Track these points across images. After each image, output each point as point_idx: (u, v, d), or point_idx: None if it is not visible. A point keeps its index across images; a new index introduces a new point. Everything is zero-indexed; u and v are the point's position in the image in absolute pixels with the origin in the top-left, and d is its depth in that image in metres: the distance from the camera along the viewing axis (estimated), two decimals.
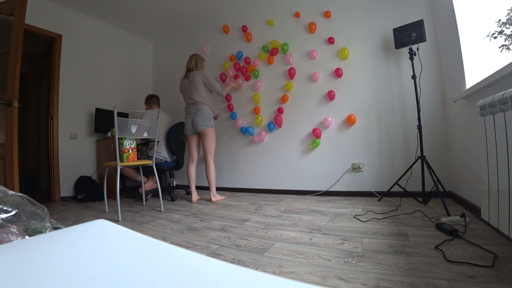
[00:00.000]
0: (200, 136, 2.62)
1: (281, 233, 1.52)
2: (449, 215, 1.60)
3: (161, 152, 2.87)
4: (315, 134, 2.73)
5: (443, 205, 1.69)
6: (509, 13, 1.47)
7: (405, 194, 2.18)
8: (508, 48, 1.48)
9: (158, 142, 2.59)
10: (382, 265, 1.03)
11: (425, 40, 2.12)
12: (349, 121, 2.57)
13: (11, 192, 0.71)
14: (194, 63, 2.63)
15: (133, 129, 2.17)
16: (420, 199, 2.06)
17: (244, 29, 3.24)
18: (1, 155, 1.92)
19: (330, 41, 2.70)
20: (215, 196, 2.63)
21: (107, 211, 2.31)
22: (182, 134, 3.04)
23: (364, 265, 1.04)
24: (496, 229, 1.07)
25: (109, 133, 3.20)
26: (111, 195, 2.75)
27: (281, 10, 3.03)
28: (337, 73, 2.65)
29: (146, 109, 3.02)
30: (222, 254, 1.26)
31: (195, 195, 2.67)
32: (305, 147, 2.84)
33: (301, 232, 1.51)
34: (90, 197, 2.92)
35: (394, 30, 2.25)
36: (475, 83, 1.44)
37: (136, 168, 2.89)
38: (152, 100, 3.03)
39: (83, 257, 0.27)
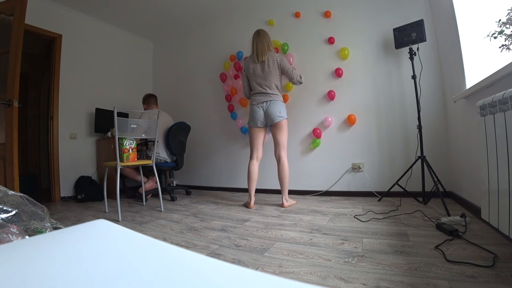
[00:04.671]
0: (274, 128, 2.26)
1: (281, 233, 1.52)
2: (449, 215, 1.60)
3: (160, 153, 2.86)
4: (315, 134, 2.73)
5: (443, 205, 1.69)
6: (509, 13, 1.47)
7: (405, 194, 2.18)
8: (508, 48, 1.48)
9: (157, 142, 2.58)
10: (382, 265, 1.03)
11: (425, 40, 2.12)
12: (349, 121, 2.57)
13: (11, 192, 0.71)
14: (267, 43, 2.23)
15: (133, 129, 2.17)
16: (420, 199, 2.06)
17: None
18: (1, 155, 1.92)
19: (330, 41, 2.70)
20: (288, 201, 2.24)
21: (107, 211, 2.31)
22: (182, 134, 3.03)
23: (364, 265, 1.04)
24: (496, 229, 1.07)
25: (109, 133, 3.20)
26: (111, 195, 2.75)
27: (281, 10, 3.02)
28: (337, 73, 2.65)
29: (145, 109, 3.01)
30: (222, 254, 1.26)
31: (253, 200, 2.26)
32: (305, 147, 2.83)
33: (301, 232, 1.51)
34: (90, 197, 2.92)
35: (394, 30, 2.25)
36: (475, 83, 1.44)
37: (136, 168, 2.89)
38: (150, 100, 3.01)
39: (83, 257, 0.27)
